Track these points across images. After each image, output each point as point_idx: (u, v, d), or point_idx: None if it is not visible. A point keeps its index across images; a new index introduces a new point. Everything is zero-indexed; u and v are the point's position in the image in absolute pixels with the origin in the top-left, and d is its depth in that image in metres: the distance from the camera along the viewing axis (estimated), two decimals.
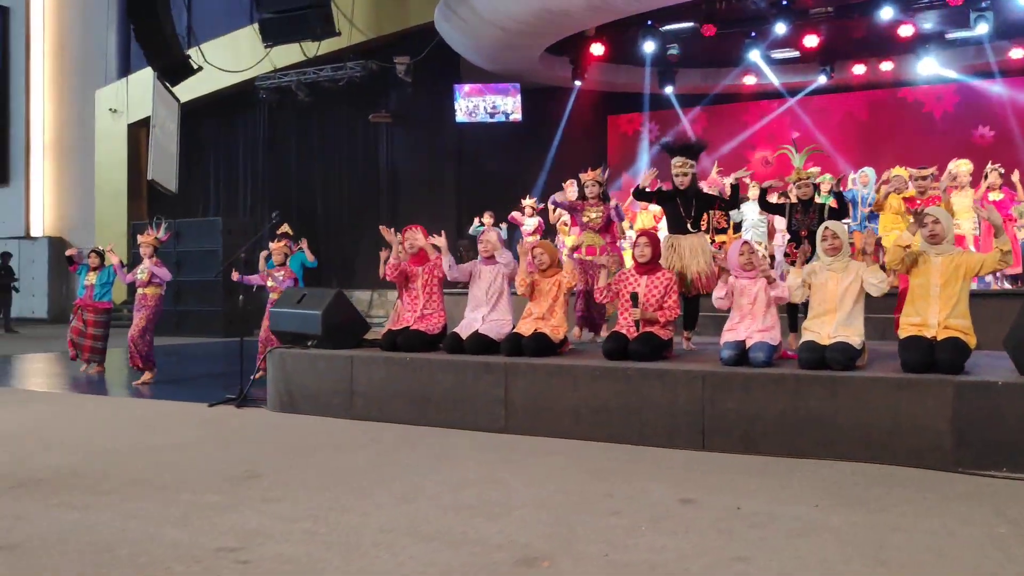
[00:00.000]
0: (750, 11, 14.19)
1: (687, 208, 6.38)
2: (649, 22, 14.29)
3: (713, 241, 9.67)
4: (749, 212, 10.60)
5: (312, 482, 4.31)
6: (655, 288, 5.75)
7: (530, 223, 11.85)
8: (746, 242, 5.58)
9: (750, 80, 16.86)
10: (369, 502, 3.90)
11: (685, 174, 6.34)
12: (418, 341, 6.21)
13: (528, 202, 11.99)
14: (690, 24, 14.47)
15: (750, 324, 5.39)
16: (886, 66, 16.10)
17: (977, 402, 4.45)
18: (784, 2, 13.29)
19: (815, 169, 6.82)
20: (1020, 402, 4.38)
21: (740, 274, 5.50)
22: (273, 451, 5.16)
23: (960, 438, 4.45)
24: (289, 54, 17.03)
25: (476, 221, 12.68)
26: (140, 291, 8.66)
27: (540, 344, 5.79)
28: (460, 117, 17.15)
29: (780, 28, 13.79)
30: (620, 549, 3.19)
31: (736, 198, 6.75)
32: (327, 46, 16.41)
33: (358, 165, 18.85)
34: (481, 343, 5.96)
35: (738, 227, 10.33)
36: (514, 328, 6.10)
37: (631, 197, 8.16)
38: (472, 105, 17.14)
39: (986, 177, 9.37)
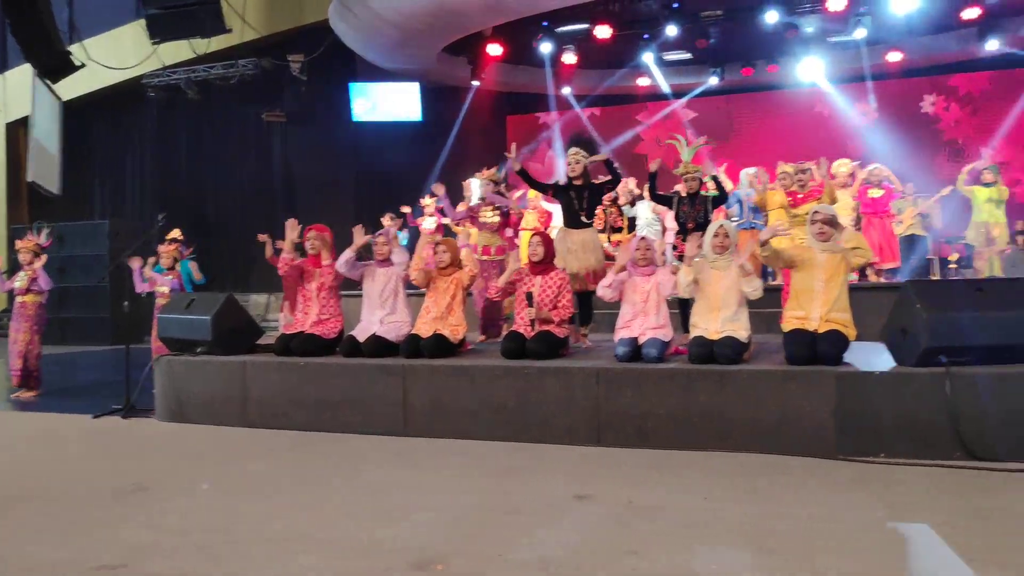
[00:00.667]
0: (642, 13, 14.50)
1: (580, 200, 6.47)
2: (545, 23, 14.42)
3: (610, 240, 9.85)
4: (642, 211, 10.81)
5: (202, 493, 4.18)
6: (549, 287, 5.80)
7: (429, 223, 11.79)
8: (643, 238, 5.68)
9: (645, 81, 17.22)
10: (262, 511, 3.81)
11: (578, 162, 6.43)
12: (314, 345, 6.09)
13: (427, 202, 11.93)
14: (585, 26, 14.68)
15: (643, 321, 5.49)
16: (773, 68, 16.70)
17: (856, 392, 4.64)
18: (675, 4, 13.60)
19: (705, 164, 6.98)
20: (896, 391, 4.60)
21: (635, 270, 5.60)
22: (162, 462, 4.97)
23: (842, 426, 4.64)
24: (178, 51, 16.46)
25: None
26: (19, 299, 8.22)
27: (439, 345, 5.76)
28: (357, 116, 16.92)
29: (672, 30, 14.09)
30: (515, 548, 3.20)
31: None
32: (218, 43, 15.95)
33: (252, 165, 18.37)
34: (379, 345, 5.90)
35: (632, 226, 10.52)
36: (413, 329, 6.05)
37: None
38: (370, 104, 16.95)
39: (869, 174, 9.82)
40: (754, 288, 5.21)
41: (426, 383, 5.47)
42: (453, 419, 5.38)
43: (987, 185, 9.94)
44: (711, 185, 6.77)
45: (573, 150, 6.58)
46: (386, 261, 6.27)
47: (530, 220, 10.98)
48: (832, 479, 4.16)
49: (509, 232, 7.67)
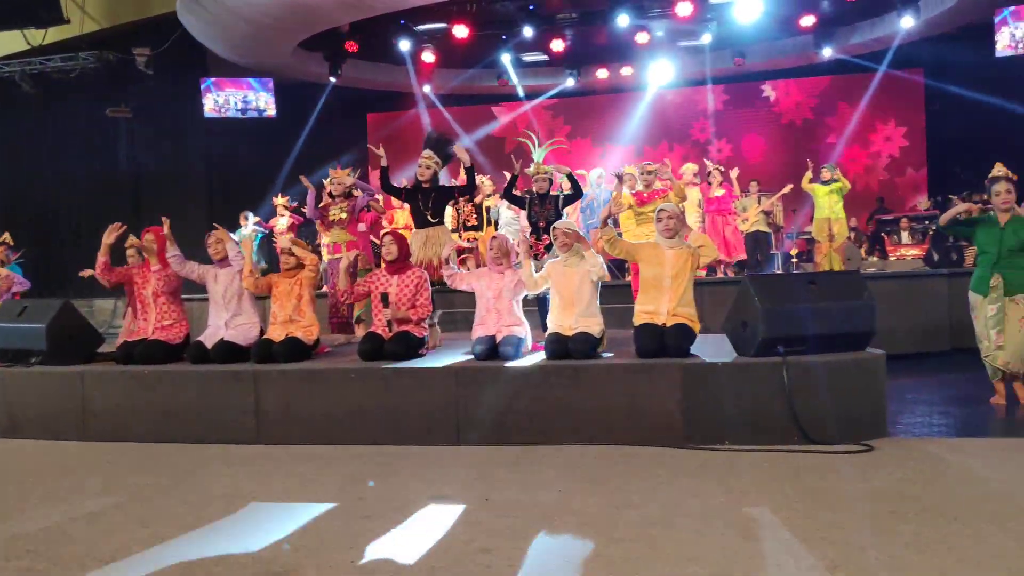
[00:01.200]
0: (499, 15, 14.61)
1: (425, 201, 6.45)
2: (402, 21, 14.32)
3: (461, 237, 9.89)
4: (504, 209, 10.90)
5: (33, 512, 3.91)
6: (406, 287, 5.75)
7: (282, 222, 11.50)
8: (496, 236, 5.72)
9: (504, 81, 17.38)
10: (98, 529, 3.59)
11: (429, 167, 6.42)
12: (158, 352, 5.81)
13: (280, 200, 11.63)
14: (442, 25, 14.67)
15: (498, 319, 5.52)
16: (626, 70, 17.20)
17: (701, 382, 4.84)
18: (531, 7, 13.78)
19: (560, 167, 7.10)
20: (737, 380, 4.82)
21: (491, 267, 5.62)
22: None
23: (689, 416, 4.82)
24: (11, 42, 15.36)
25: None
26: None
27: (292, 348, 5.61)
28: (208, 112, 16.27)
29: (528, 32, 14.26)
30: (368, 553, 3.15)
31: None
32: (56, 34, 14.97)
33: (95, 163, 17.33)
34: (228, 351, 5.68)
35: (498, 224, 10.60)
36: (263, 333, 5.87)
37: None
38: (222, 99, 16.33)
39: (709, 175, 10.27)
40: (593, 265, 5.31)
41: (279, 388, 5.31)
42: (308, 425, 5.25)
43: (826, 183, 10.56)
44: (567, 184, 6.89)
45: (426, 153, 6.53)
46: (225, 261, 6.05)
47: (400, 218, 10.90)
48: (679, 467, 4.31)
49: (362, 227, 7.56)
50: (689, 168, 10.56)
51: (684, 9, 13.30)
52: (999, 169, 5.93)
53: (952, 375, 7.42)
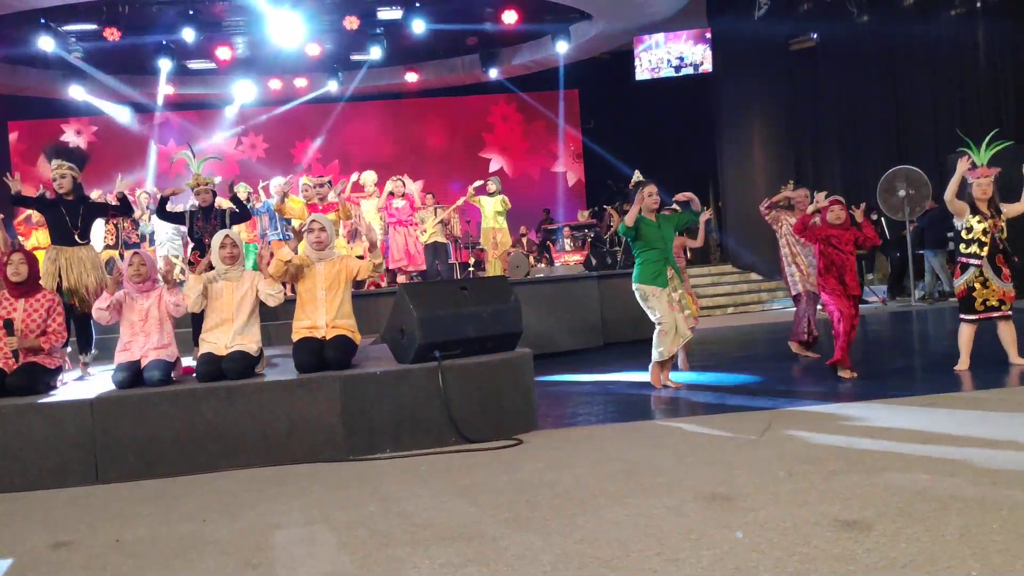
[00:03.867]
0: (156, 18, 13.71)
1: (73, 217, 5.87)
2: (43, 20, 12.93)
3: (122, 256, 9.14)
4: (160, 225, 10.24)
5: None
6: (35, 312, 5.13)
7: None
8: (136, 252, 5.28)
9: (170, 90, 16.36)
10: None
11: (63, 176, 5.84)
12: None
13: None
14: (92, 26, 13.48)
15: (144, 342, 5.10)
16: (300, 82, 16.96)
17: (361, 392, 4.82)
18: (191, 12, 13.07)
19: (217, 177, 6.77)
20: (395, 386, 4.86)
21: (132, 287, 5.18)
22: None
23: (350, 428, 4.78)
24: None
25: None
26: None
27: None
28: None
29: (189, 36, 13.49)
30: None
31: (127, 206, 6.40)
32: None
33: None
34: None
35: (152, 240, 9.91)
36: None
37: None
38: None
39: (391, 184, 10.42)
40: (276, 291, 5.13)
41: None
42: None
43: (491, 195, 11.10)
44: (226, 204, 6.60)
45: (56, 163, 5.90)
46: None
47: (42, 239, 9.73)
48: (335, 481, 4.25)
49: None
50: (369, 177, 10.60)
51: (351, 23, 13.36)
52: (639, 176, 6.55)
53: (604, 366, 8.07)
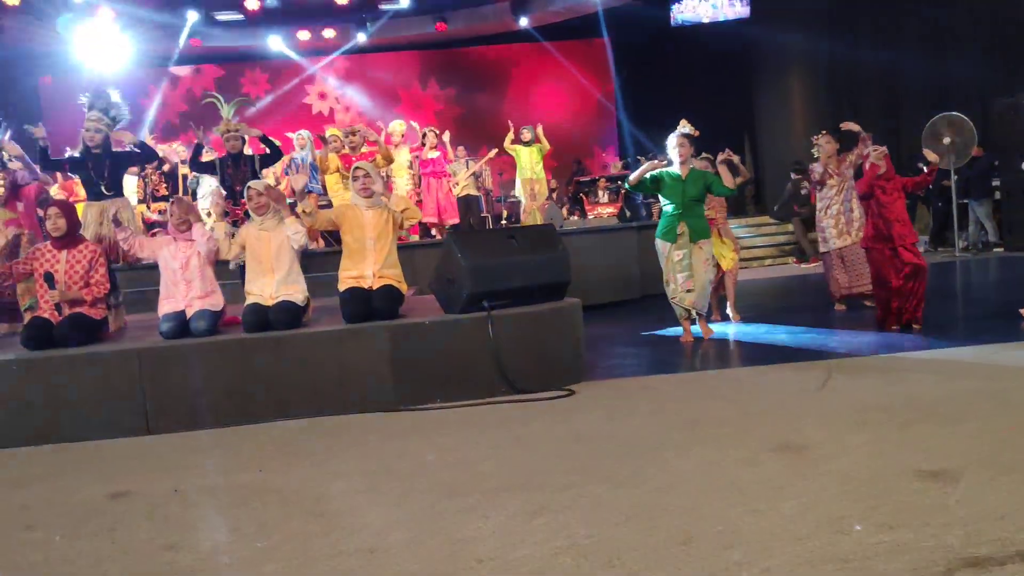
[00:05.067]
0: None
1: (99, 170, 5.78)
2: None
3: (149, 208, 9.09)
4: (205, 180, 10.14)
5: None
6: (78, 263, 5.07)
7: None
8: (176, 199, 5.20)
9: (199, 42, 16.18)
10: None
11: (99, 131, 5.74)
12: None
13: None
14: None
15: (187, 290, 5.03)
16: (328, 32, 16.71)
17: (410, 342, 4.74)
18: None
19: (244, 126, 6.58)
20: (445, 337, 4.78)
21: (174, 234, 5.11)
22: None
23: (400, 378, 4.71)
24: None
25: None
26: None
27: None
28: None
29: None
30: (30, 567, 2.70)
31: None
32: None
33: None
34: None
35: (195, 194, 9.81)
36: None
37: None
38: None
39: (424, 137, 10.17)
40: (295, 232, 4.99)
41: None
42: None
43: (527, 144, 10.85)
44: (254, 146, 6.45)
45: (93, 116, 5.79)
46: None
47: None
48: (390, 431, 4.19)
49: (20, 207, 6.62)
50: (397, 127, 10.38)
51: None
52: (685, 124, 6.34)
53: (643, 319, 7.95)
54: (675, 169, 6.11)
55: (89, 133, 5.72)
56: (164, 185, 9.50)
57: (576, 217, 14.72)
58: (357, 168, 5.21)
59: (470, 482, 3.20)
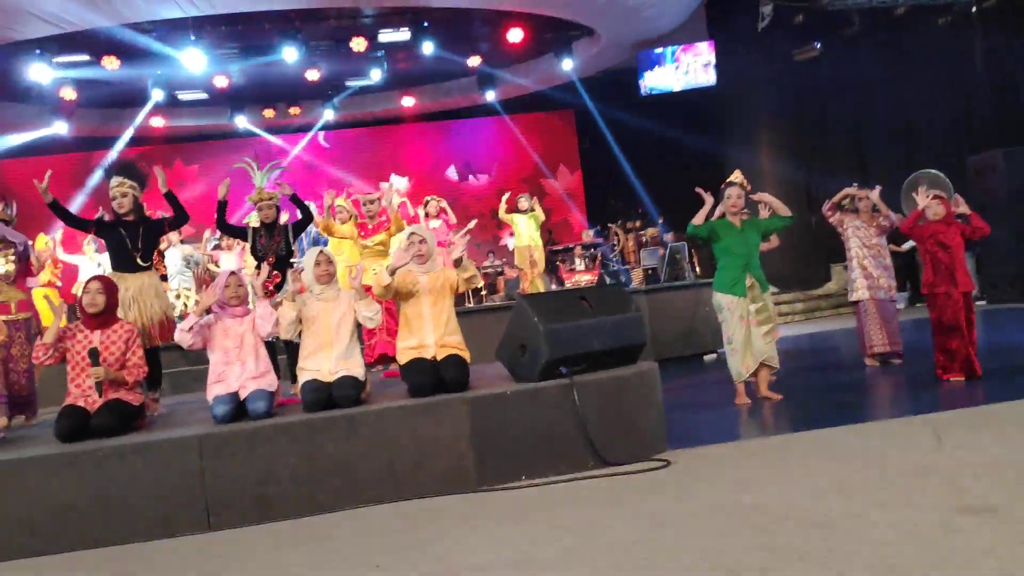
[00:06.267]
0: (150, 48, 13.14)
1: (133, 238, 5.38)
2: (38, 51, 12.30)
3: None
4: (171, 258, 9.78)
5: None
6: (113, 343, 4.62)
7: None
8: (233, 273, 4.81)
9: (159, 122, 15.80)
10: None
11: (124, 195, 5.35)
12: None
13: None
14: (86, 57, 12.90)
15: (240, 371, 4.61)
16: (294, 110, 16.51)
17: (491, 415, 4.38)
18: (192, 37, 12.51)
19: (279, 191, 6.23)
20: (526, 408, 4.43)
21: (224, 311, 4.71)
22: None
23: (481, 454, 4.31)
24: None
25: None
26: None
27: None
28: None
29: (190, 62, 12.92)
30: None
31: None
32: None
33: None
34: None
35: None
36: None
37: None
38: None
39: (426, 204, 9.96)
40: (374, 313, 4.68)
41: None
42: None
43: (523, 212, 10.70)
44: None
45: (117, 180, 5.42)
46: None
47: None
48: (502, 512, 3.79)
49: (32, 282, 6.15)
50: (401, 183, 10.21)
51: (358, 44, 12.96)
52: (738, 175, 6.21)
53: (672, 384, 7.67)
54: (729, 219, 6.00)
55: (117, 200, 5.32)
56: (162, 264, 9.04)
57: (554, 286, 14.54)
58: (413, 233, 4.91)
59: (656, 564, 2.84)
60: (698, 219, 6.00)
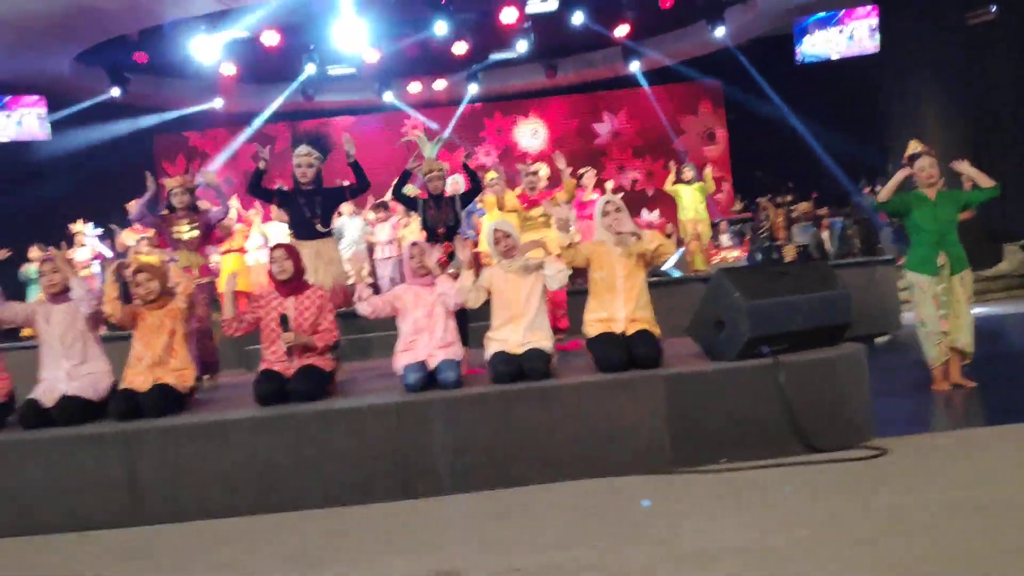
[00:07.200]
0: (305, 24, 13.44)
1: (311, 207, 5.46)
2: (202, 28, 12.76)
3: None
4: (349, 228, 9.86)
5: None
6: (306, 309, 4.66)
7: (82, 253, 9.79)
8: (416, 243, 4.78)
9: (311, 95, 16.17)
10: None
11: (311, 165, 5.46)
12: None
13: (79, 228, 9.93)
14: (246, 34, 13.29)
15: (428, 340, 4.58)
16: (439, 84, 16.57)
17: (688, 394, 4.19)
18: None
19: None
20: (726, 387, 4.21)
21: (413, 281, 4.69)
22: None
23: (676, 434, 4.13)
24: None
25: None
26: None
27: (164, 398, 4.38)
28: None
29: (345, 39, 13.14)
30: None
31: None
32: None
33: None
34: (76, 408, 4.33)
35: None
36: (117, 381, 4.58)
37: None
38: None
39: (581, 177, 9.71)
40: (558, 271, 4.56)
41: (159, 451, 4.05)
42: (203, 494, 4.03)
43: (688, 183, 10.32)
44: (459, 185, 6.06)
45: (303, 151, 5.54)
46: (62, 295, 4.71)
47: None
48: (713, 493, 3.61)
49: (214, 256, 6.33)
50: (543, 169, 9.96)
51: (509, 16, 12.84)
52: (917, 145, 5.76)
53: None
54: (922, 191, 5.55)
55: (301, 169, 5.42)
56: None
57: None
58: (608, 202, 4.73)
59: (905, 564, 2.60)
60: (884, 194, 5.59)
